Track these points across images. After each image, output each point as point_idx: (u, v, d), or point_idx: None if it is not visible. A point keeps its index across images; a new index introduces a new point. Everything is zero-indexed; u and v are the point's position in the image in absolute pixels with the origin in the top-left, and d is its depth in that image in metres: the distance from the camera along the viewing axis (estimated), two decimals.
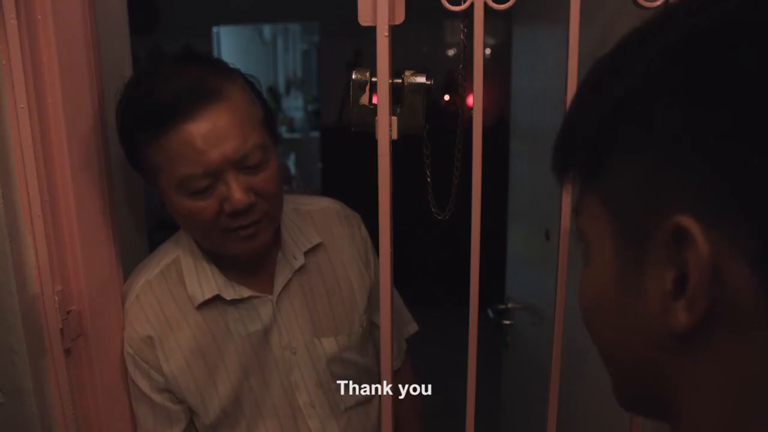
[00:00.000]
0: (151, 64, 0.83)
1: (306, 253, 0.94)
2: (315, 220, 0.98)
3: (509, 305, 1.55)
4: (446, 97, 3.83)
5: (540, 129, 1.39)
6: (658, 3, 0.61)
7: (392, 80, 0.62)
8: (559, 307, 0.67)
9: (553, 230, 1.29)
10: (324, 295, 0.95)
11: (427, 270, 3.82)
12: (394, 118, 0.63)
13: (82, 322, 0.80)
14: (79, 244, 0.79)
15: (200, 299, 0.88)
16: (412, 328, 1.14)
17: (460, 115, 0.69)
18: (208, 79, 0.77)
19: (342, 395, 0.96)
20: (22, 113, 0.68)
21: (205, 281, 0.89)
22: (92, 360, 0.82)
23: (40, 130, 0.72)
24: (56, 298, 0.74)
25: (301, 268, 0.93)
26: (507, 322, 1.54)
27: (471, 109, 0.62)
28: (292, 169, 5.12)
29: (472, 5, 0.59)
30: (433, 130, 0.70)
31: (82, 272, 0.79)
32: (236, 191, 0.78)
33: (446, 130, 1.25)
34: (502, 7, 0.59)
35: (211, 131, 0.76)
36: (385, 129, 0.62)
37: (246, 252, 0.86)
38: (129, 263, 0.94)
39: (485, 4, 0.59)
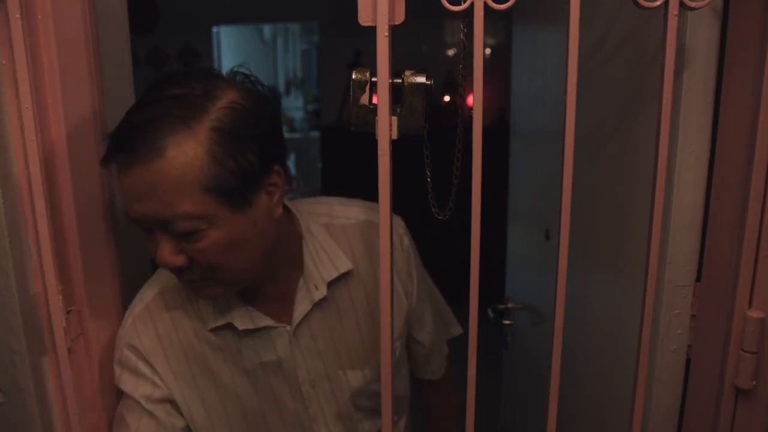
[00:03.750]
0: (150, 84, 0.74)
1: (332, 282, 0.85)
2: (350, 238, 0.88)
3: (509, 305, 1.54)
4: (446, 98, 3.83)
5: (540, 129, 1.39)
6: (658, 3, 0.61)
7: (392, 80, 0.62)
8: (559, 307, 0.67)
9: (553, 230, 1.29)
10: (354, 325, 0.88)
11: (426, 270, 3.81)
12: (394, 118, 0.63)
13: (82, 322, 0.80)
14: (79, 245, 0.79)
15: (211, 325, 0.83)
16: (455, 330, 1.07)
17: (460, 115, 0.69)
18: (157, 129, 0.67)
19: (363, 425, 0.92)
20: (26, 113, 0.67)
21: (220, 304, 0.83)
22: (92, 360, 0.82)
23: (40, 130, 0.72)
24: (60, 297, 0.73)
25: (325, 299, 0.85)
26: (507, 322, 1.54)
27: (471, 109, 0.62)
28: (292, 169, 5.12)
29: (472, 5, 0.59)
30: (433, 130, 0.70)
31: (82, 272, 0.80)
32: (160, 251, 0.71)
33: (446, 130, 1.24)
34: (502, 7, 0.59)
35: (135, 187, 0.68)
36: (385, 129, 0.62)
37: (201, 298, 0.81)
38: (129, 263, 0.94)
39: (485, 4, 0.59)
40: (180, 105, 0.68)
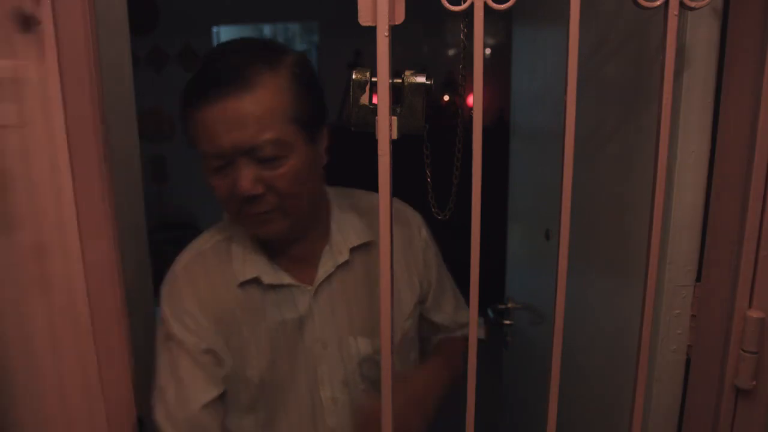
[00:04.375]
0: (223, 42, 0.87)
1: (354, 250, 0.94)
2: (371, 218, 0.97)
3: (509, 305, 1.54)
4: (446, 97, 3.83)
5: (540, 129, 1.39)
6: (658, 3, 0.61)
7: (392, 80, 0.62)
8: (559, 307, 0.67)
9: (553, 230, 1.29)
10: (367, 294, 0.95)
11: None
12: (394, 118, 0.63)
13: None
14: (81, 243, 0.79)
15: (241, 279, 0.90)
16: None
17: (460, 115, 0.69)
18: (246, 67, 0.79)
19: (368, 397, 0.95)
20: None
21: (250, 262, 0.91)
22: (92, 360, 0.82)
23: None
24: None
25: (347, 263, 0.94)
26: (507, 322, 1.54)
27: (471, 109, 0.62)
28: None
29: (472, 5, 0.59)
30: (433, 130, 0.70)
31: (84, 272, 0.79)
32: (241, 179, 0.80)
33: (446, 130, 1.25)
34: (502, 7, 0.59)
35: (226, 118, 0.78)
36: (385, 129, 0.62)
37: (261, 235, 0.89)
38: (129, 263, 0.94)
39: (485, 4, 0.59)
40: (259, 53, 0.82)
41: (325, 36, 4.30)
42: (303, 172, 0.83)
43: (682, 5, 0.61)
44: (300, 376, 0.93)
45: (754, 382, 0.72)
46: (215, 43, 4.70)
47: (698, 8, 0.62)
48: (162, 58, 4.39)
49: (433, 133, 0.69)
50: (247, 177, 0.80)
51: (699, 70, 0.73)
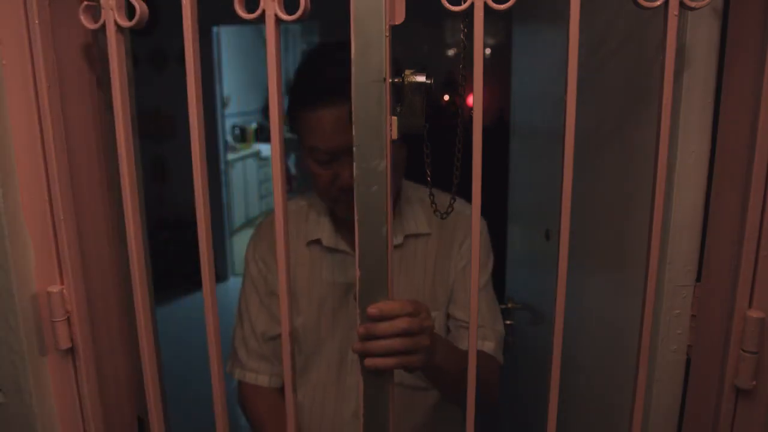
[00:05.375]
0: (328, 45, 0.96)
1: (409, 237, 1.05)
2: (427, 210, 1.07)
3: (509, 305, 1.55)
4: (446, 97, 3.83)
5: (540, 129, 1.39)
6: (658, 3, 0.61)
7: (392, 80, 0.62)
8: (559, 307, 0.67)
9: (553, 230, 1.29)
10: (410, 278, 1.04)
11: None
12: (394, 118, 0.63)
13: (83, 322, 0.80)
14: (80, 244, 0.79)
15: (308, 239, 1.06)
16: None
17: (460, 115, 0.69)
18: None
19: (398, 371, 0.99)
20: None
21: (319, 226, 1.06)
22: (93, 360, 0.82)
23: (40, 129, 0.72)
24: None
25: (400, 246, 1.04)
26: (507, 322, 1.54)
27: (471, 109, 0.62)
28: (292, 169, 5.12)
29: (472, 5, 0.59)
30: (433, 130, 0.70)
31: (83, 272, 0.79)
32: (346, 173, 0.91)
33: (446, 130, 1.25)
34: (502, 7, 0.59)
35: (340, 121, 0.88)
36: (386, 129, 0.62)
37: (341, 214, 1.01)
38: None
39: (485, 4, 0.59)
40: None
41: (325, 36, 4.30)
42: (397, 164, 0.92)
43: (682, 5, 0.61)
44: (337, 334, 1.05)
45: (754, 382, 0.72)
46: (215, 43, 4.69)
47: (698, 8, 0.62)
48: (162, 58, 4.39)
49: (433, 133, 0.69)
50: (350, 171, 0.88)
51: (699, 70, 0.73)
